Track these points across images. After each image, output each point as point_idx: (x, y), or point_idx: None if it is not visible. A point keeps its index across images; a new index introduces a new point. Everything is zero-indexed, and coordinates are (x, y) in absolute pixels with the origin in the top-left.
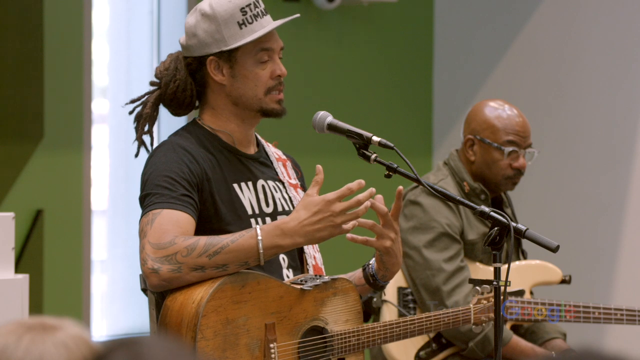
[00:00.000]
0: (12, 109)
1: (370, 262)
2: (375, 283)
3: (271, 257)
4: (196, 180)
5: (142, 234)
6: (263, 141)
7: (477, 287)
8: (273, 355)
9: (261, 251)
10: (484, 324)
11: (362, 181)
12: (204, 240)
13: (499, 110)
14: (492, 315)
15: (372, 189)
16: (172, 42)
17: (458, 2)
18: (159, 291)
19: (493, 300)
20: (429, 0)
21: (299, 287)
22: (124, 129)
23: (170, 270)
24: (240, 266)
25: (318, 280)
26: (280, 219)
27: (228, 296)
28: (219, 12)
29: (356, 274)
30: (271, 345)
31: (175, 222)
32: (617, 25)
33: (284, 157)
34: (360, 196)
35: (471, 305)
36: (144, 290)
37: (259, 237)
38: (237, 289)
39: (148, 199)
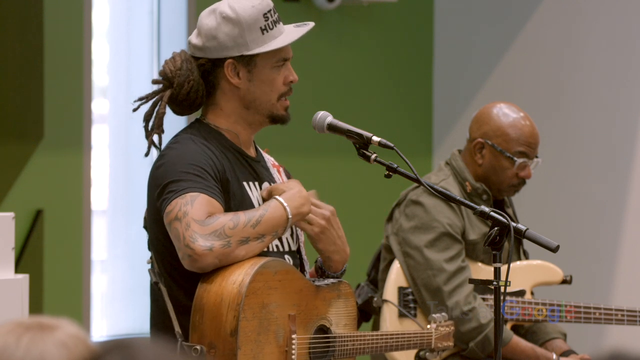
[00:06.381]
0: (12, 109)
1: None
2: (323, 274)
3: (293, 224)
4: (219, 175)
5: (182, 213)
6: (259, 147)
7: (434, 315)
8: (293, 347)
9: (290, 216)
10: (439, 352)
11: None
12: (240, 213)
13: (513, 118)
14: (446, 343)
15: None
16: (172, 42)
17: (458, 2)
18: (206, 272)
19: (452, 327)
20: (429, 0)
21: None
22: (124, 129)
23: (222, 245)
24: (273, 237)
25: (328, 279)
26: (285, 194)
27: (264, 280)
28: (243, 17)
29: (312, 268)
30: (293, 337)
31: (215, 208)
32: (618, 25)
33: (277, 163)
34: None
35: (432, 330)
36: (156, 283)
37: (285, 204)
38: (271, 275)
39: (177, 184)
